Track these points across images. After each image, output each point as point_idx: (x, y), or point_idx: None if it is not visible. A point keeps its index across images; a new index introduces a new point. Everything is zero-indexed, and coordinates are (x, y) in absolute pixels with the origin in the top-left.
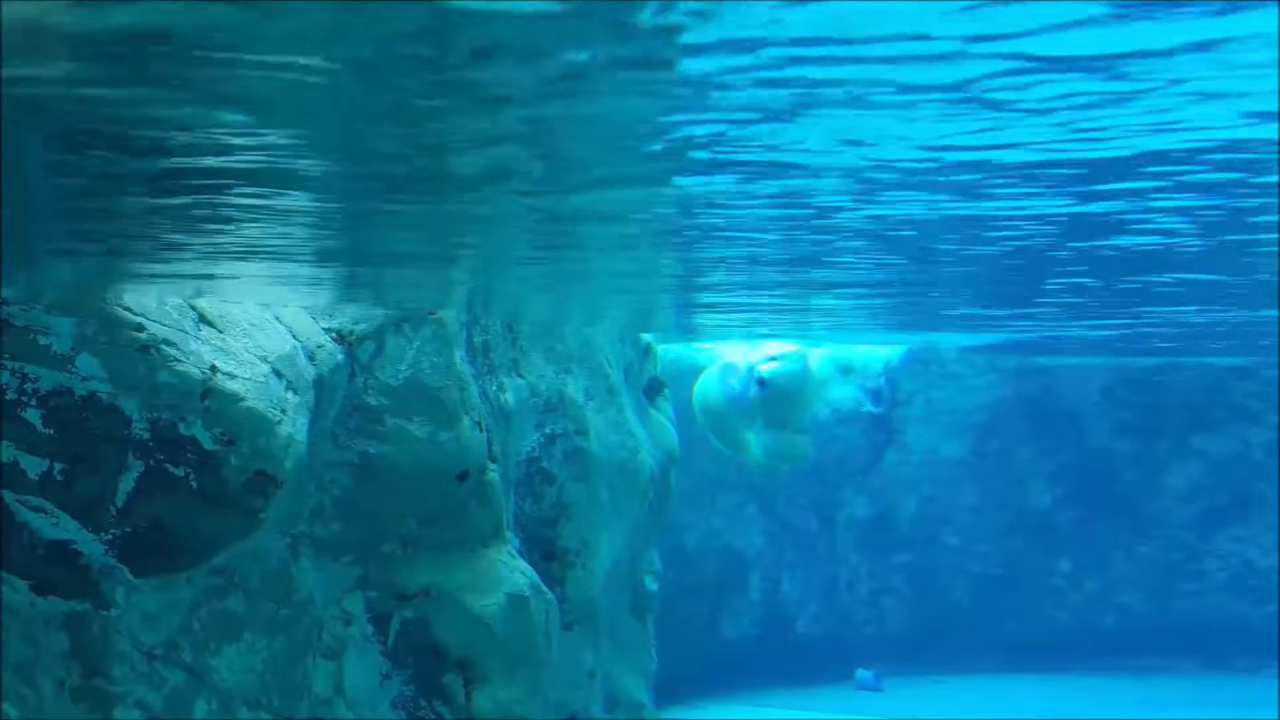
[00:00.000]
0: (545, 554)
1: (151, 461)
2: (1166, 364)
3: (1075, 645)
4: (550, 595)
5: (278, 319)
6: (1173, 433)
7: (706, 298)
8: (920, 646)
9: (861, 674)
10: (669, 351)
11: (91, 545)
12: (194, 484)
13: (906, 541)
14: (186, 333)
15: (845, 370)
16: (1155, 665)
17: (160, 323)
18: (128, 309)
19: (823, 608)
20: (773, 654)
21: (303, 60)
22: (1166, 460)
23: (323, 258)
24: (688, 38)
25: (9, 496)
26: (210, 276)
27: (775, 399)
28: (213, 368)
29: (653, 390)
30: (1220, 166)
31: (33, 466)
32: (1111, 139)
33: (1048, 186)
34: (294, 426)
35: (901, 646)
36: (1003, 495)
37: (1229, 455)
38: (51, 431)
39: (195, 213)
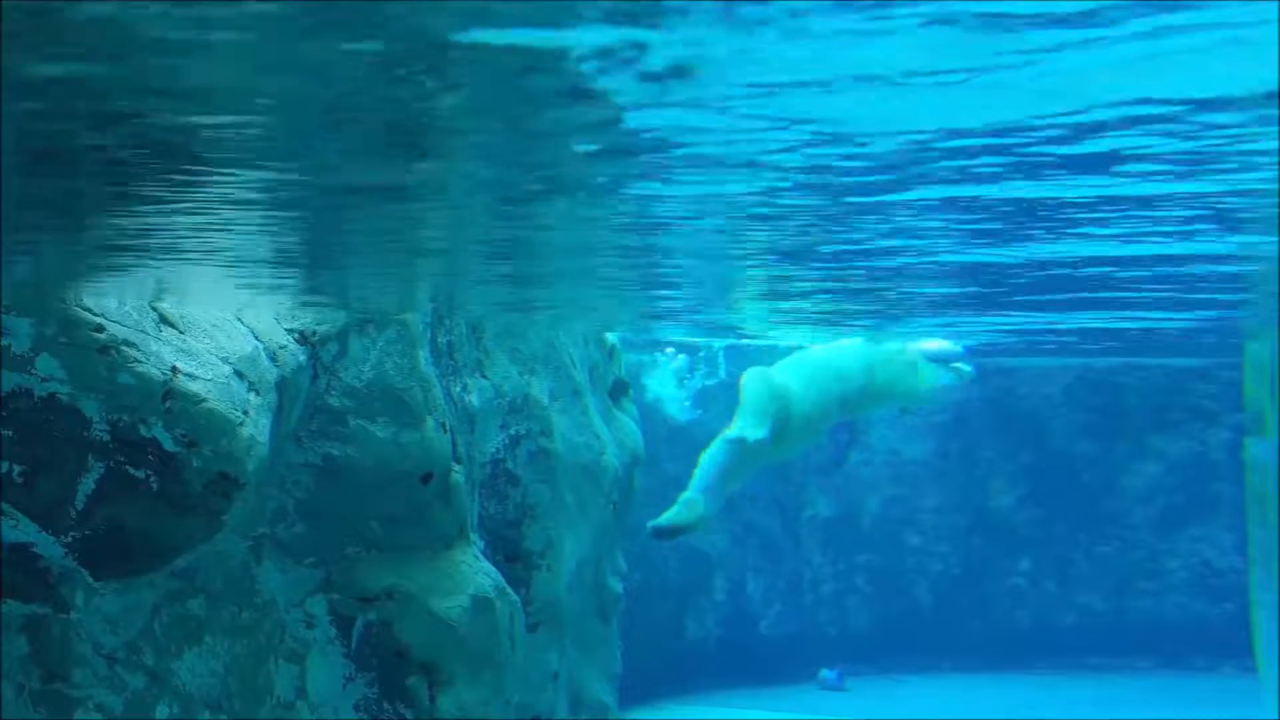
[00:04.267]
0: (510, 555)
1: (112, 463)
2: (1127, 365)
3: (1036, 644)
4: (515, 597)
5: (239, 320)
6: (1133, 434)
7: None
8: (883, 646)
9: (825, 674)
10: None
11: (51, 548)
12: (155, 486)
13: (869, 541)
14: (147, 334)
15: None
16: (1115, 664)
17: (120, 324)
18: (87, 310)
19: (786, 608)
20: (737, 654)
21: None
22: (1126, 461)
23: (283, 261)
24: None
25: None
26: (171, 277)
27: None
28: (174, 369)
29: (617, 391)
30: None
31: None
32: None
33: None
34: (256, 428)
35: (864, 646)
36: (964, 496)
37: (1187, 456)
38: (10, 433)
39: (152, 209)
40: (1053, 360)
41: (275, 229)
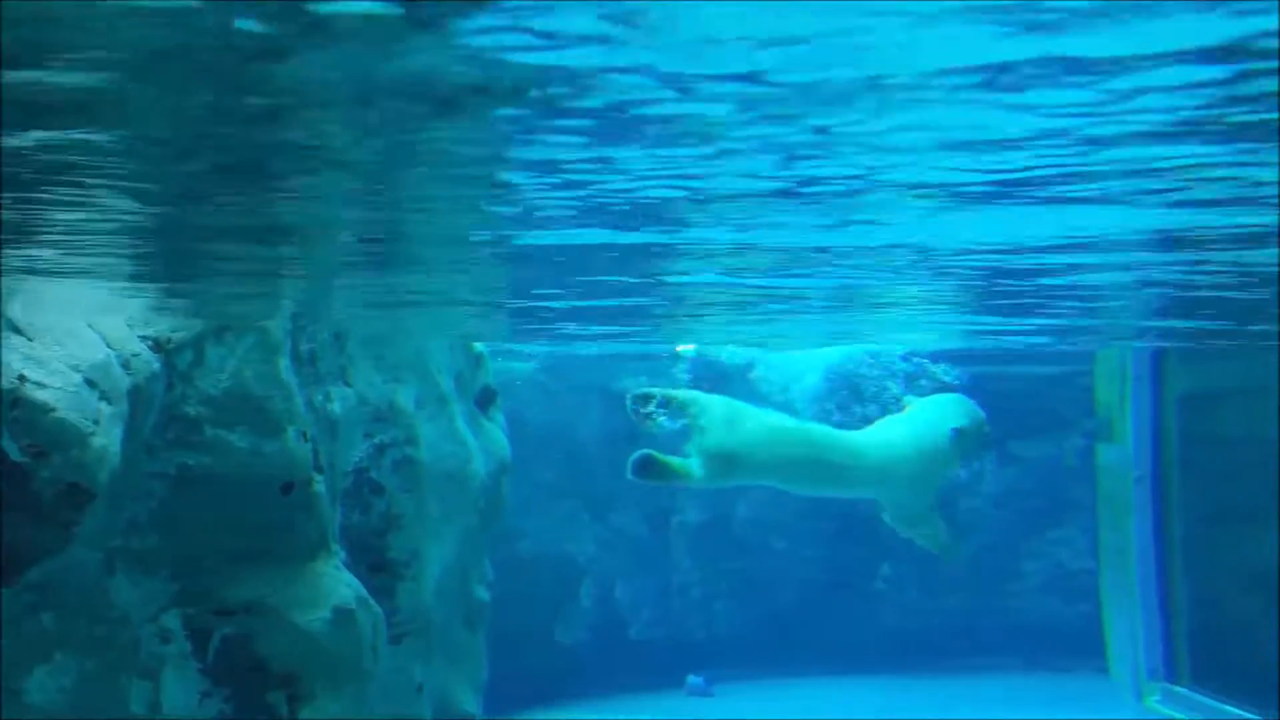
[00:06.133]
0: (374, 566)
1: None
2: (991, 372)
3: (900, 646)
4: (378, 608)
5: (91, 326)
6: (994, 438)
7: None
8: (751, 651)
9: (692, 679)
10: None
11: None
12: (2, 497)
13: (738, 547)
14: None
15: None
16: (977, 664)
17: None
18: None
19: (655, 613)
20: (606, 660)
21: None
22: (987, 465)
23: (138, 268)
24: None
25: None
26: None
27: None
28: (21, 377)
29: (485, 399)
30: None
31: None
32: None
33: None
34: (108, 438)
35: (733, 651)
36: (830, 501)
37: (1045, 461)
38: None
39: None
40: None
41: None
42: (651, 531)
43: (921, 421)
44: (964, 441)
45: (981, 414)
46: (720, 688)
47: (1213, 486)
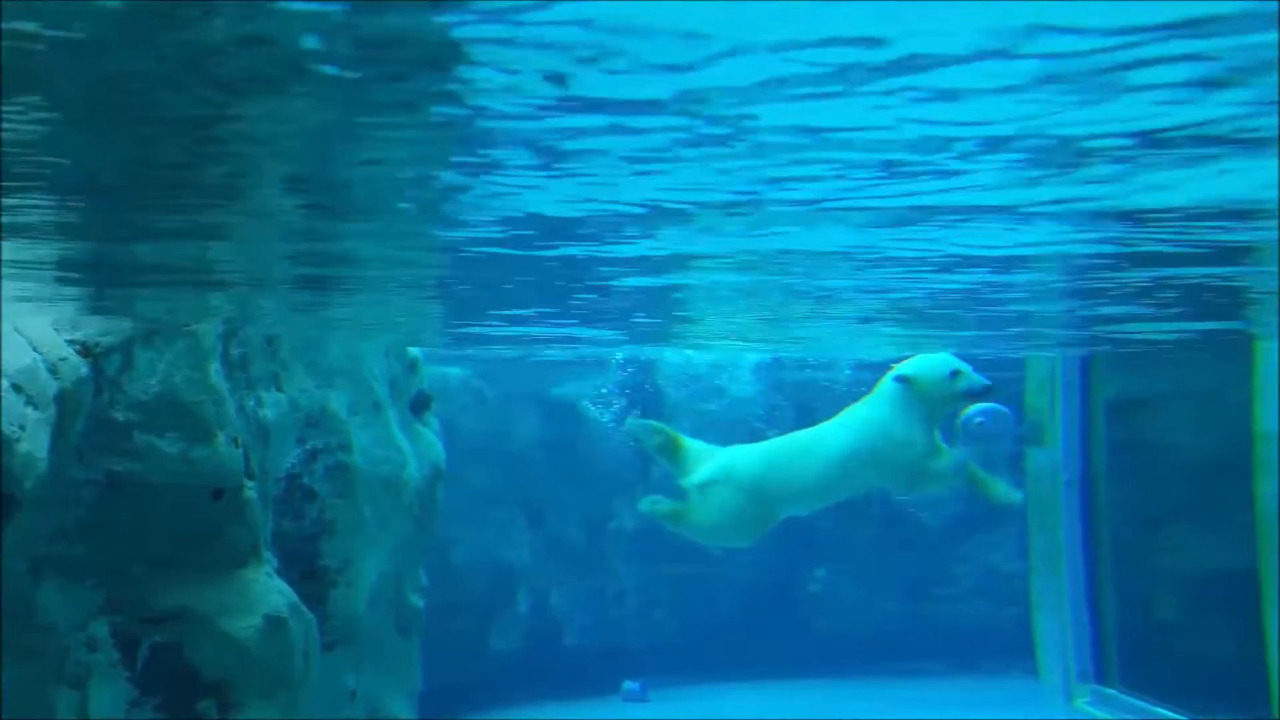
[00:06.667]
0: (306, 573)
1: None
2: None
3: (836, 650)
4: (310, 616)
5: (17, 330)
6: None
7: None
8: (688, 656)
9: (628, 685)
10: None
11: None
12: None
13: (674, 553)
14: None
15: None
16: (912, 668)
17: None
18: None
19: (591, 620)
20: (542, 667)
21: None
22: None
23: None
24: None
25: None
26: None
27: None
28: None
29: (419, 405)
30: None
31: None
32: None
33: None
34: (34, 444)
35: (670, 657)
36: None
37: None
38: None
39: None
40: (857, 372)
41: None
42: (588, 538)
43: (875, 392)
44: (916, 388)
45: (938, 360)
46: (656, 694)
47: (1140, 490)
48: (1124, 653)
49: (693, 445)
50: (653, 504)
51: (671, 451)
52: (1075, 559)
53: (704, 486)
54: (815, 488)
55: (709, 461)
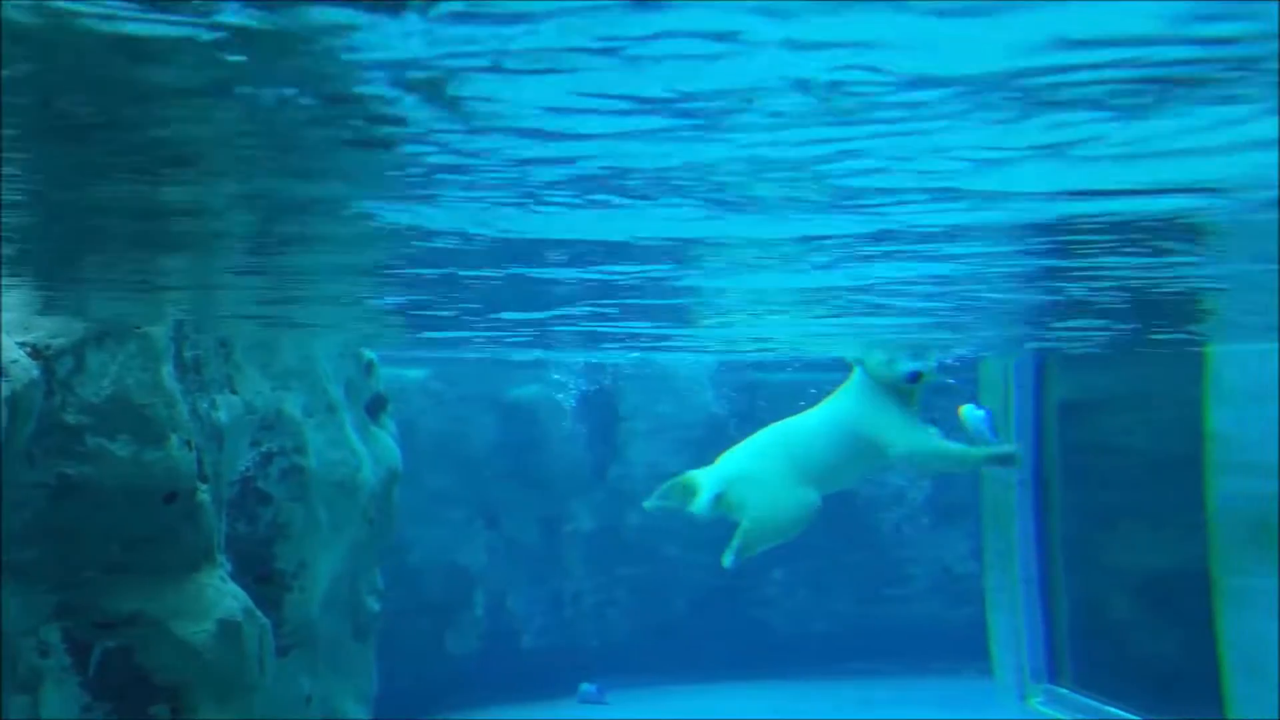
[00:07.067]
0: (260, 576)
1: None
2: None
3: (791, 650)
4: (265, 620)
5: None
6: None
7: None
8: (644, 657)
9: (585, 687)
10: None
11: None
12: None
13: (630, 554)
14: None
15: None
16: (865, 668)
17: None
18: None
19: (548, 622)
20: (498, 670)
21: None
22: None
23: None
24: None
25: None
26: None
27: None
28: None
29: (375, 407)
30: None
31: None
32: None
33: None
34: None
35: (626, 658)
36: None
37: None
38: None
39: None
40: (805, 375)
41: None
42: (544, 540)
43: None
44: (869, 370)
45: (881, 349)
46: (613, 695)
47: (1092, 491)
48: (1077, 652)
49: (692, 476)
50: (729, 561)
51: (687, 491)
52: (1029, 559)
53: (719, 499)
54: (830, 465)
55: (706, 478)
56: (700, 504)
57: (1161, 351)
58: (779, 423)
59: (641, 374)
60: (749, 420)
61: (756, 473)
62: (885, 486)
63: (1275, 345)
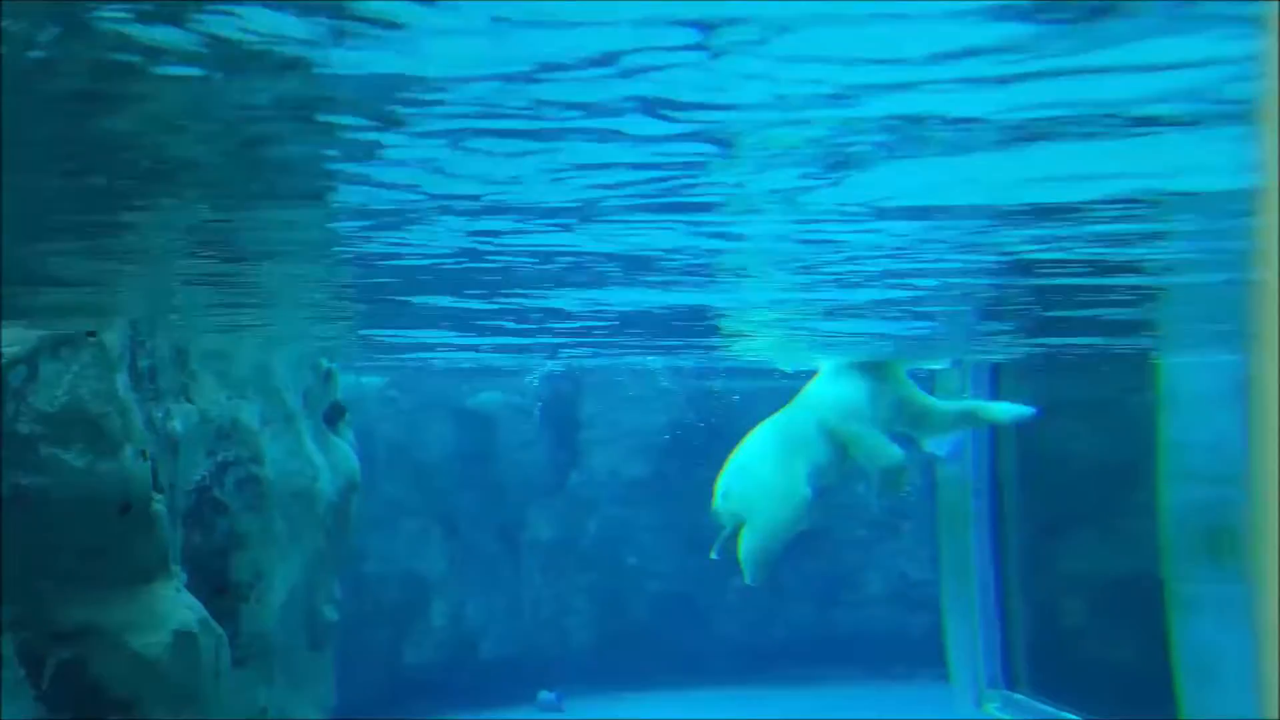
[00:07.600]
0: (217, 587)
1: None
2: None
3: (749, 657)
4: (220, 631)
5: None
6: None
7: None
8: (603, 665)
9: (544, 695)
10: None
11: None
12: None
13: (589, 562)
14: None
15: None
16: (822, 674)
17: None
18: None
19: (506, 630)
20: (456, 678)
21: None
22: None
23: None
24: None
25: None
26: None
27: None
28: None
29: (334, 416)
30: None
31: None
32: None
33: None
34: None
35: (585, 666)
36: (681, 515)
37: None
38: None
39: None
40: (766, 382)
41: None
42: (503, 548)
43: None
44: (841, 375)
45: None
46: (572, 703)
47: (1046, 499)
48: (1032, 658)
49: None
50: (748, 575)
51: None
52: (985, 566)
53: (727, 496)
54: (820, 447)
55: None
56: (716, 507)
57: (1116, 363)
58: (775, 414)
59: (601, 380)
60: (709, 427)
61: (752, 463)
62: (844, 492)
63: (1225, 356)
